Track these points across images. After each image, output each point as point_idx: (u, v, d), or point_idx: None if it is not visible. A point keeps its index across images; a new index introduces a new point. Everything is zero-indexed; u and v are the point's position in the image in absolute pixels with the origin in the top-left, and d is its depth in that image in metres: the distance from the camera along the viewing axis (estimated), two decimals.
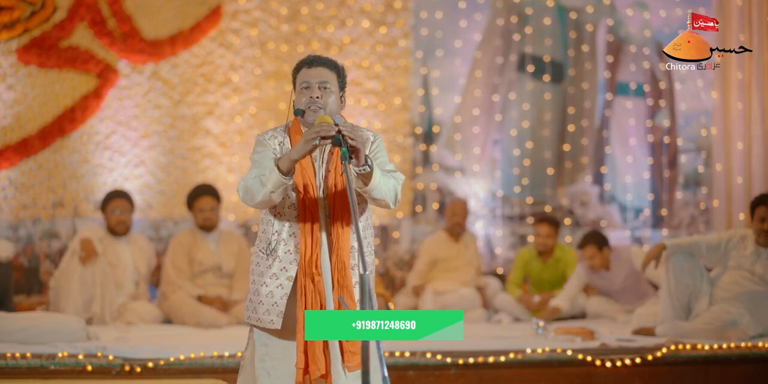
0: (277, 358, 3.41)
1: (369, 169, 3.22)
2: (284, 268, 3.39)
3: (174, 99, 7.63)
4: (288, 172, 3.25)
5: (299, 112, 3.34)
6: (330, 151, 3.43)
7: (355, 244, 3.41)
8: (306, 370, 3.35)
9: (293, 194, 3.39)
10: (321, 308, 3.33)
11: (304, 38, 7.89)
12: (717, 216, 8.06)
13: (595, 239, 6.93)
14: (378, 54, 7.99)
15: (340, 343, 3.36)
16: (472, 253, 7.41)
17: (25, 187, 7.31)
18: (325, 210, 3.40)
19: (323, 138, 3.18)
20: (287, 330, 3.40)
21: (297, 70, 3.44)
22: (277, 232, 3.41)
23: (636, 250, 6.94)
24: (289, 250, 3.39)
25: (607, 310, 6.97)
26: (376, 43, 7.99)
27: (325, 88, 3.37)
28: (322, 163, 3.44)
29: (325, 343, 3.35)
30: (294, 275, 3.38)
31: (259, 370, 3.43)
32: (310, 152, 3.24)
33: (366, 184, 3.25)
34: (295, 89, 3.44)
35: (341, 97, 3.45)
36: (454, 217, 7.37)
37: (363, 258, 2.97)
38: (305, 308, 3.33)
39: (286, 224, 3.40)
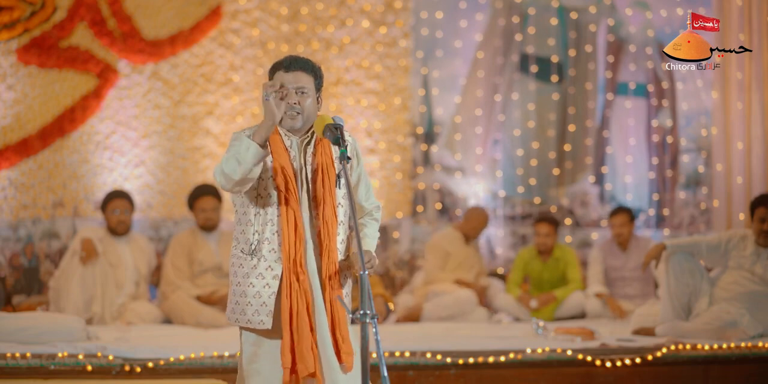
0: (267, 357, 3.41)
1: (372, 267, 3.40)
2: (270, 266, 3.40)
3: (174, 99, 7.63)
4: (264, 142, 3.28)
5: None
6: (312, 152, 3.43)
7: (343, 246, 3.46)
8: (293, 370, 3.34)
9: (274, 193, 3.39)
10: (307, 307, 3.34)
11: (304, 38, 7.88)
12: (717, 216, 8.05)
13: (628, 211, 7.29)
14: (378, 54, 7.99)
15: (334, 344, 3.36)
16: (477, 255, 7.44)
17: (25, 187, 7.30)
18: (310, 207, 3.41)
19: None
20: (275, 329, 3.39)
21: (273, 71, 3.45)
22: (258, 231, 3.41)
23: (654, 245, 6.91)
24: (273, 249, 3.40)
25: (607, 310, 6.97)
26: (376, 43, 7.99)
27: (303, 92, 3.40)
28: (305, 164, 3.44)
29: (314, 341, 3.35)
30: (280, 274, 3.38)
31: (248, 370, 3.43)
32: (275, 117, 3.27)
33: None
34: None
35: (318, 98, 3.47)
36: (473, 227, 7.37)
37: (362, 257, 2.97)
38: (290, 307, 3.34)
39: (268, 223, 3.40)
